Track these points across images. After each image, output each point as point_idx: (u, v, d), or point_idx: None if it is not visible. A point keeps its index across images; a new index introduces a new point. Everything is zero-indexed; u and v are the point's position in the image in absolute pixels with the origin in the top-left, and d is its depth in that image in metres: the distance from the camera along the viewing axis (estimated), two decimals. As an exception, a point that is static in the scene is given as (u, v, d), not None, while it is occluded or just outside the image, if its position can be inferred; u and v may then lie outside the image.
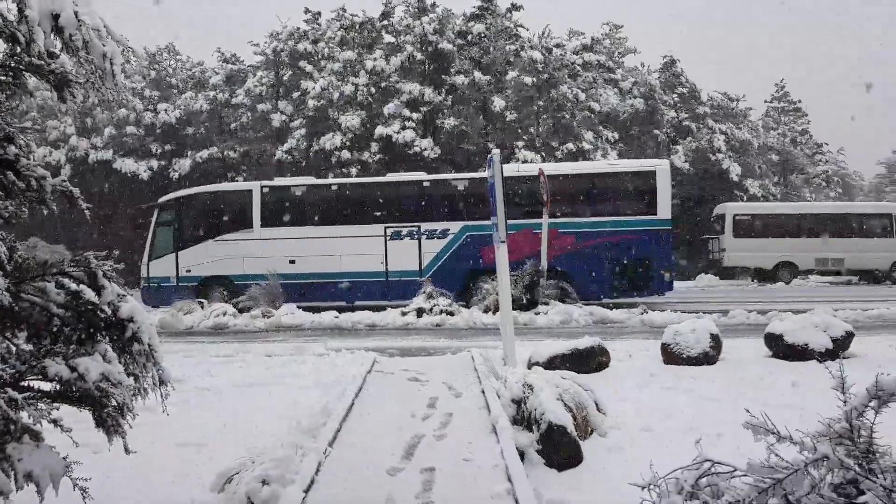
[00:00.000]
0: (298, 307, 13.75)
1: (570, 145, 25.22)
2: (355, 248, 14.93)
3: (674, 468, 2.82)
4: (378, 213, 15.21)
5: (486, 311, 13.16)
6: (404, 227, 15.06)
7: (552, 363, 7.11)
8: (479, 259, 14.62)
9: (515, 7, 27.48)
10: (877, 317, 11.52)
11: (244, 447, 4.60)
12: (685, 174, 29.29)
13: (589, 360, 7.42)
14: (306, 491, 3.78)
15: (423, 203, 15.29)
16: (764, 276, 22.87)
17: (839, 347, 7.47)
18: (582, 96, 25.87)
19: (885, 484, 1.88)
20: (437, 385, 6.57)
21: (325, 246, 14.96)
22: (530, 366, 7.18)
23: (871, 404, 2.31)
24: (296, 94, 26.39)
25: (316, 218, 15.46)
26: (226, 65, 29.28)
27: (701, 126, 30.63)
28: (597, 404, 5.78)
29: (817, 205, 27.12)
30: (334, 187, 15.97)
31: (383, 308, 13.80)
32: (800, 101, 40.15)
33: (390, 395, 6.21)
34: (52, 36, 2.93)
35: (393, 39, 27.61)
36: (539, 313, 12.80)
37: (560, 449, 4.72)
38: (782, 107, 39.93)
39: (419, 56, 26.51)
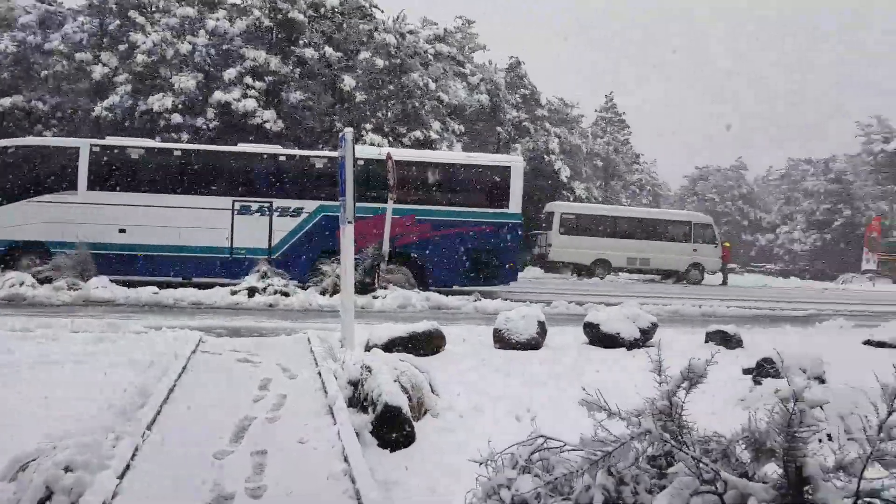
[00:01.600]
0: (116, 281, 12.53)
1: (418, 133, 25.50)
2: (197, 221, 13.91)
3: (506, 445, 2.94)
4: (226, 185, 14.31)
5: (323, 293, 12.90)
6: (255, 201, 14.29)
7: (390, 346, 7.13)
8: (334, 240, 14.24)
9: (371, -15, 27.16)
10: (674, 311, 12.97)
11: (44, 432, 4.07)
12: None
13: (426, 344, 7.53)
14: (120, 477, 3.42)
15: (277, 178, 14.58)
16: (582, 270, 24.84)
17: (645, 337, 8.30)
18: (432, 86, 26.24)
19: (694, 455, 2.08)
20: (271, 366, 6.31)
21: (162, 216, 13.76)
22: (369, 348, 7.14)
23: (684, 385, 2.54)
24: (122, 47, 23.91)
25: (154, 185, 14.11)
26: (40, 4, 25.82)
27: (539, 128, 32.43)
28: (431, 386, 5.88)
29: (631, 209, 29.99)
30: (178, 153, 14.75)
31: (210, 286, 13.01)
32: (624, 114, 43.95)
33: (218, 376, 5.86)
34: None
35: (239, 1, 26.01)
36: (377, 297, 12.80)
37: (394, 430, 4.74)
38: (609, 117, 43.47)
39: (267, 22, 25.23)
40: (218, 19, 24.37)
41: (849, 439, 1.88)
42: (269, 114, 23.62)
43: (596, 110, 44.13)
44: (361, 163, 14.01)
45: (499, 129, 31.20)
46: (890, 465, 1.72)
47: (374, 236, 13.46)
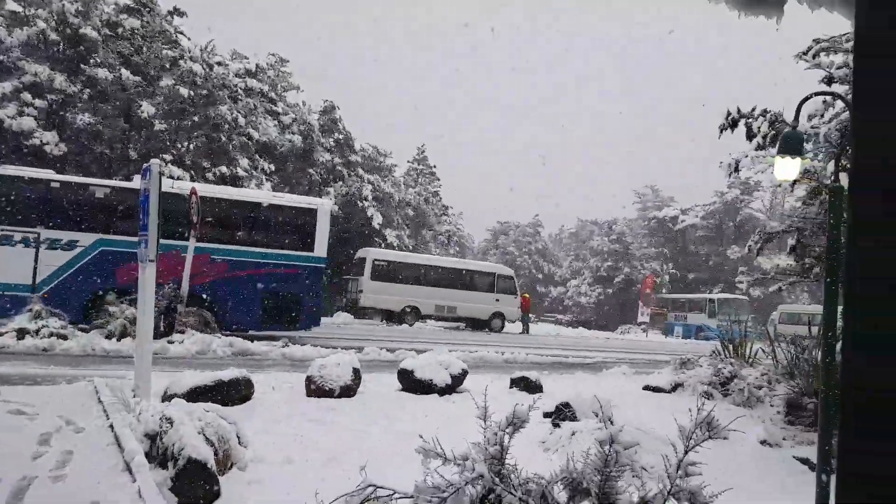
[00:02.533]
0: None
1: (224, 169, 24.43)
2: None
3: (324, 498, 2.88)
4: None
5: (108, 337, 11.65)
6: (17, 231, 12.55)
7: (194, 395, 6.62)
8: (113, 278, 13.04)
9: (178, 12, 25.90)
10: (480, 358, 13.63)
11: None
12: (334, 216, 30.77)
13: (233, 392, 7.12)
14: None
15: (47, 206, 12.95)
16: (393, 317, 25.19)
17: (456, 383, 8.61)
18: (242, 121, 25.43)
19: (521, 497, 2.21)
20: (51, 418, 5.54)
21: None
22: (168, 398, 6.57)
23: (508, 430, 2.70)
24: None
25: None
26: None
27: (352, 173, 32.73)
28: (239, 437, 5.56)
29: (441, 259, 31.21)
30: None
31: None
32: (435, 167, 46.00)
33: (-18, 432, 5.02)
34: None
35: (20, 9, 23.30)
36: (173, 342, 11.86)
37: (197, 485, 4.42)
38: (421, 168, 45.20)
39: (53, 36, 22.83)
40: (-7, 25, 21.62)
41: (650, 478, 2.13)
42: (49, 135, 21.22)
43: (408, 161, 45.78)
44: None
45: (311, 171, 30.99)
46: (683, 500, 1.98)
47: (162, 276, 12.62)
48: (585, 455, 2.19)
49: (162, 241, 12.56)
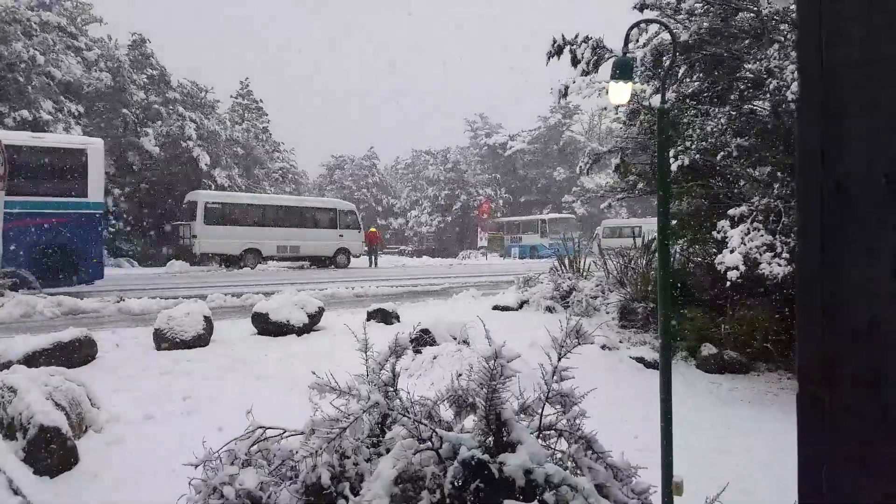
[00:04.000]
0: None
1: (25, 113, 21.56)
2: None
3: (205, 444, 2.92)
4: None
5: None
6: None
7: (32, 360, 6.15)
8: None
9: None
10: (331, 295, 13.69)
11: None
12: (156, 158, 28.52)
13: (75, 353, 6.68)
14: None
15: None
16: (232, 261, 24.24)
17: (314, 321, 8.68)
18: (40, 59, 22.39)
19: (416, 418, 2.43)
20: None
21: None
22: (4, 365, 6.03)
23: (392, 358, 2.90)
24: None
25: None
26: None
27: (171, 112, 30.28)
28: (91, 399, 5.33)
29: (280, 198, 30.26)
30: None
31: None
32: (261, 101, 43.73)
33: None
34: None
35: None
36: (-11, 307, 10.66)
37: (53, 453, 4.23)
38: (247, 104, 42.77)
39: None
40: None
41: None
42: None
43: (232, 96, 43.03)
44: None
45: (125, 111, 28.21)
46: (556, 403, 2.30)
47: None
48: (468, 373, 2.44)
49: None
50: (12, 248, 12.35)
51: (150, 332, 7.90)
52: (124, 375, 6.42)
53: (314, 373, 2.63)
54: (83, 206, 13.20)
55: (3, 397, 4.65)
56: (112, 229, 27.58)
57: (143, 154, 28.35)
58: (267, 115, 43.82)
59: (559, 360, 2.26)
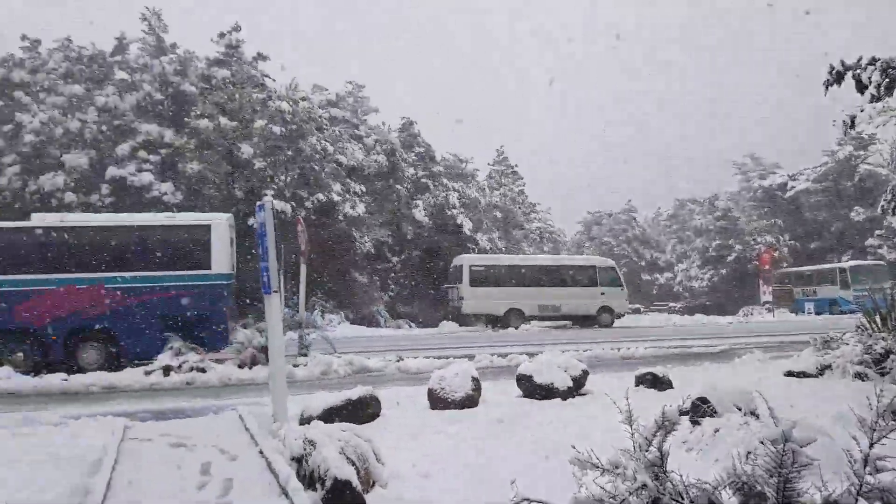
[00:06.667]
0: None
1: (321, 196, 25.42)
2: None
3: None
4: None
5: (241, 367, 12.39)
6: None
7: (328, 416, 6.94)
8: (13, 317, 12.96)
9: (261, 56, 27.32)
10: (595, 357, 13.34)
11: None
12: (425, 227, 31.32)
13: (362, 411, 7.38)
14: None
15: None
16: (497, 321, 25.19)
17: (578, 385, 8.50)
18: (330, 149, 26.38)
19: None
20: (208, 449, 5.97)
21: None
22: (304, 420, 6.92)
23: (659, 433, 2.66)
24: (9, 128, 22.72)
25: None
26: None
27: (437, 184, 33.17)
28: (376, 455, 5.76)
29: (539, 257, 30.98)
30: None
31: (121, 368, 12.33)
32: (516, 166, 45.80)
33: (153, 464, 5.48)
34: None
35: (128, 77, 25.47)
36: (298, 366, 12.44)
37: (347, 504, 4.61)
38: (502, 170, 45.12)
39: (158, 96, 24.85)
40: (107, 96, 23.77)
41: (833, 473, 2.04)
42: (166, 186, 22.96)
43: (489, 164, 45.81)
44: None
45: (398, 187, 31.66)
46: (875, 500, 1.88)
47: (61, 308, 13.01)
48: (753, 456, 2.13)
49: (59, 275, 13.02)
50: (145, 318, 13.60)
51: (425, 390, 8.41)
52: (404, 434, 6.86)
53: (574, 447, 2.53)
54: (208, 278, 14.03)
55: (305, 450, 5.29)
56: (391, 293, 30.74)
57: (414, 224, 31.37)
58: (522, 178, 45.67)
59: (871, 445, 1.86)
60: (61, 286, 12.99)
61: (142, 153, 23.17)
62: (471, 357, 13.43)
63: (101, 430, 6.78)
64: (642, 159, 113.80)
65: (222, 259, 14.04)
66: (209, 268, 13.86)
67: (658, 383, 8.66)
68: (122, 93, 24.29)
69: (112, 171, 22.50)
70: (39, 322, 12.82)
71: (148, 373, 11.64)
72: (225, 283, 14.08)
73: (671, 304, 48.61)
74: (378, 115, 35.16)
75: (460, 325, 25.18)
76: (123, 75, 25.38)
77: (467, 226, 31.98)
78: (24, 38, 25.32)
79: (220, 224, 14.33)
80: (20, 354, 12.34)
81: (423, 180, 33.18)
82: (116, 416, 7.56)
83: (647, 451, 2.47)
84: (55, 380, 11.25)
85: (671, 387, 8.65)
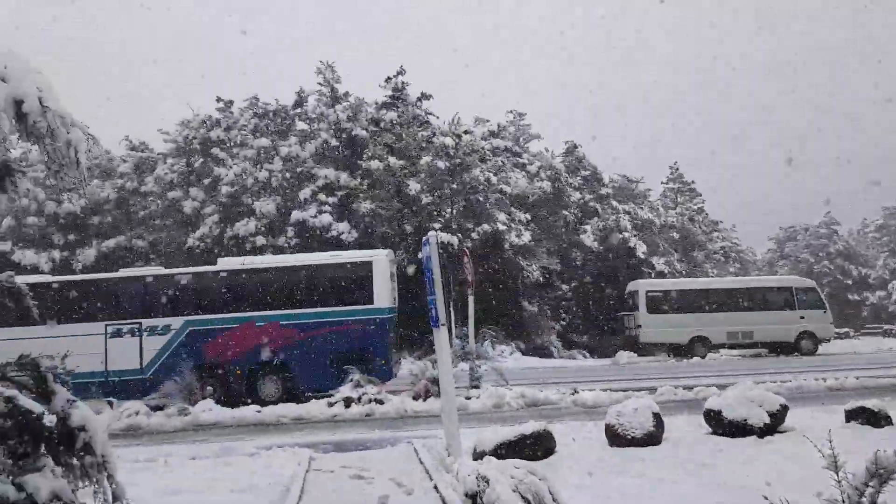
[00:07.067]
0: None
1: (486, 226, 25.74)
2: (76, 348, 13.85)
3: None
4: (97, 311, 14.45)
5: (416, 398, 12.69)
6: (124, 323, 14.32)
7: (500, 451, 6.79)
8: (203, 354, 14.18)
9: (425, 96, 28.57)
10: (796, 388, 11.92)
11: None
12: (595, 253, 30.41)
13: (536, 446, 7.13)
14: None
15: (145, 298, 14.71)
16: (679, 351, 23.55)
17: (776, 421, 7.57)
18: (494, 179, 26.68)
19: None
20: (384, 482, 6.10)
21: (48, 346, 13.59)
22: (477, 455, 6.83)
23: (872, 483, 2.20)
24: (208, 181, 25.89)
25: (43, 316, 13.60)
26: (134, 153, 28.66)
27: (605, 206, 32.17)
28: (552, 494, 5.49)
29: (725, 280, 28.69)
30: (55, 285, 14.96)
31: (306, 399, 13.15)
32: (693, 182, 43.15)
33: (336, 495, 5.69)
34: (13, 122, 2.65)
35: (307, 127, 27.97)
36: (470, 398, 12.47)
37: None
38: (678, 187, 42.72)
39: (334, 142, 26.92)
40: (290, 146, 26.18)
41: None
42: (343, 226, 24.60)
43: (662, 182, 43.56)
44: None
45: (564, 212, 31.14)
46: None
47: (239, 347, 14.00)
48: None
49: (238, 314, 14.03)
50: (315, 353, 14.16)
51: (602, 426, 7.98)
52: (581, 472, 6.52)
53: (766, 497, 2.14)
54: (371, 312, 14.43)
55: (479, 486, 5.18)
56: (563, 322, 30.06)
57: (583, 250, 30.59)
58: (700, 195, 42.92)
59: None
60: (243, 324, 14.24)
61: (321, 196, 25.16)
62: (651, 390, 12.66)
63: (289, 460, 7.22)
64: (838, 167, 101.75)
65: (384, 293, 14.52)
66: (372, 302, 14.42)
67: (873, 419, 7.50)
68: (303, 142, 26.70)
69: (296, 215, 24.61)
70: (226, 358, 14.12)
71: (331, 404, 12.30)
72: (387, 316, 14.54)
73: (887, 327, 42.38)
74: (540, 141, 35.10)
75: (639, 356, 23.88)
76: (303, 126, 27.96)
77: (641, 249, 30.55)
78: (218, 99, 28.82)
79: (381, 259, 14.90)
80: (210, 388, 13.61)
81: (591, 204, 32.38)
82: (302, 448, 8.03)
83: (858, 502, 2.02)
84: (249, 412, 12.27)
85: (890, 423, 7.45)
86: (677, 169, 43.60)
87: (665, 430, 7.84)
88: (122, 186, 27.17)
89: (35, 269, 23.62)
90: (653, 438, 7.50)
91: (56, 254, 25.04)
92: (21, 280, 12.96)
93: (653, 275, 30.10)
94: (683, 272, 33.29)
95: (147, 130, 50.55)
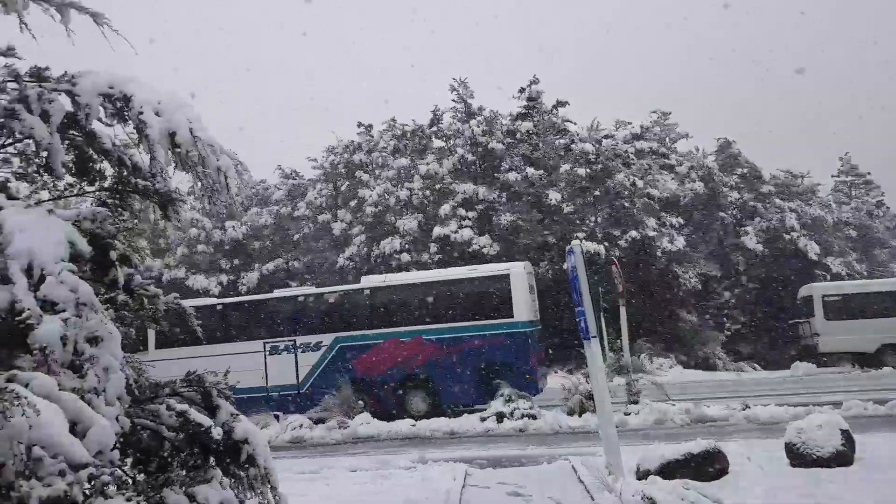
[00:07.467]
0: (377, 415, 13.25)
1: (634, 233, 24.68)
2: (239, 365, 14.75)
3: None
4: (257, 330, 15.30)
5: (570, 414, 12.29)
6: (280, 341, 15.03)
7: (665, 470, 6.30)
8: (353, 369, 14.43)
9: (561, 104, 28.00)
10: None
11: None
12: (759, 256, 28.10)
13: (705, 466, 6.54)
14: None
15: (298, 317, 15.32)
16: (866, 360, 20.95)
17: None
18: (640, 183, 25.52)
19: None
20: (543, 500, 5.87)
21: (213, 364, 14.40)
22: (641, 474, 6.39)
23: None
24: (353, 203, 27.22)
25: (207, 336, 15.19)
26: (287, 180, 30.89)
27: (768, 205, 29.67)
28: (729, 520, 4.99)
29: (915, 280, 25.18)
30: (219, 307, 16.17)
31: (451, 413, 13.26)
32: (869, 174, 38.67)
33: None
34: (168, 153, 2.87)
35: (443, 144, 28.51)
36: (629, 413, 11.86)
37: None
38: (851, 180, 38.52)
39: (470, 157, 27.18)
40: (428, 163, 26.81)
41: None
42: (483, 239, 24.68)
43: (832, 175, 39.33)
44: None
45: (721, 214, 29.04)
46: None
47: (386, 362, 14.28)
48: None
49: (384, 330, 14.19)
50: (458, 368, 14.07)
51: (781, 444, 7.21)
52: (760, 496, 5.91)
53: None
54: (512, 326, 14.03)
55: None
56: (728, 332, 27.91)
57: (745, 253, 28.31)
58: (878, 186, 38.33)
59: None
60: (387, 340, 14.61)
61: (460, 211, 25.39)
62: (836, 405, 11.38)
63: (445, 474, 7.20)
64: None
65: (523, 306, 14.34)
66: (511, 316, 14.28)
67: None
68: (440, 159, 27.15)
69: (437, 231, 24.91)
70: (374, 373, 14.51)
71: (483, 419, 12.24)
72: (529, 329, 14.32)
73: None
74: (689, 140, 32.99)
75: (818, 367, 21.52)
76: (440, 143, 28.45)
77: (813, 249, 27.69)
78: (359, 125, 30.08)
79: (518, 272, 14.75)
80: (361, 402, 14.03)
81: (751, 203, 29.94)
82: (457, 462, 7.98)
83: None
84: (404, 425, 12.53)
85: None
86: (849, 160, 39.33)
87: (858, 449, 6.91)
88: (278, 212, 29.17)
89: (205, 293, 25.88)
90: (842, 458, 6.64)
91: (223, 277, 27.30)
92: (188, 303, 14.58)
93: (828, 277, 27.19)
94: (865, 273, 29.82)
95: (297, 159, 54.55)
